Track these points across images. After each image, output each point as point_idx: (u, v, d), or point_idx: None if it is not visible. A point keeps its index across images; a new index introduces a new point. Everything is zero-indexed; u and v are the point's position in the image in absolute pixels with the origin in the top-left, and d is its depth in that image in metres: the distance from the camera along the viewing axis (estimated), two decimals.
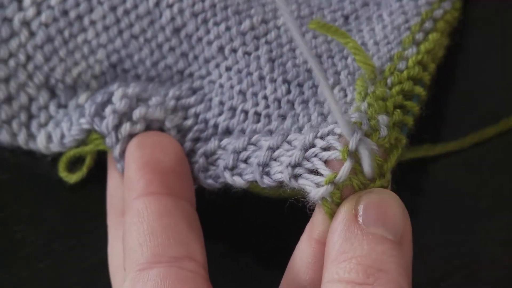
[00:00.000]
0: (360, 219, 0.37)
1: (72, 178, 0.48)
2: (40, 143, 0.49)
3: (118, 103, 0.46)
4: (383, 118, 0.41)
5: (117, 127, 0.45)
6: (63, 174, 0.49)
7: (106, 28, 0.49)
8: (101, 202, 0.47)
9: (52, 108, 0.49)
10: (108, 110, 0.46)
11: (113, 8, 0.48)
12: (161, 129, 0.47)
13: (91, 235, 0.47)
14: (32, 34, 0.48)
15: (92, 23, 0.48)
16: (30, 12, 0.48)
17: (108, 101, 0.46)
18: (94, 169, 0.48)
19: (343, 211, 0.38)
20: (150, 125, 0.46)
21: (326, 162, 0.40)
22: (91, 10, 0.48)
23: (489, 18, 0.55)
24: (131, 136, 0.45)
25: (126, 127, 0.45)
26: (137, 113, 0.46)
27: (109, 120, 0.45)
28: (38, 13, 0.48)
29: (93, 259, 0.47)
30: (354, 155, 0.39)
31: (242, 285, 0.47)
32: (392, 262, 0.36)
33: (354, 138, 0.39)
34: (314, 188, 0.39)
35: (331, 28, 0.42)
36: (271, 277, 0.41)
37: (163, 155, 0.44)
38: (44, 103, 0.49)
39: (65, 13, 0.48)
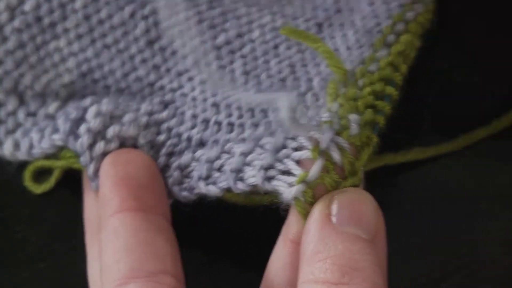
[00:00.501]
0: (334, 219, 0.37)
1: (39, 188, 0.48)
2: (6, 150, 0.48)
3: (93, 121, 0.45)
4: (353, 117, 0.41)
5: (91, 146, 0.45)
6: (28, 183, 0.48)
7: (79, 37, 0.48)
8: None
9: (20, 115, 0.49)
10: (82, 128, 0.45)
11: (88, 17, 0.48)
12: (135, 145, 0.46)
13: None
14: (4, 39, 0.48)
15: (66, 31, 0.48)
16: (3, 17, 0.47)
17: (82, 118, 0.46)
18: None
19: (317, 211, 0.38)
20: (124, 142, 0.46)
21: (298, 162, 0.40)
22: (64, 18, 0.48)
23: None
24: (104, 154, 0.45)
25: (100, 146, 0.45)
26: (111, 132, 0.45)
27: (84, 139, 0.45)
28: (12, 18, 0.48)
29: None
30: (325, 154, 0.39)
31: None
32: (366, 261, 0.36)
33: (325, 137, 0.39)
34: (286, 188, 0.39)
35: (302, 34, 0.43)
36: (250, 282, 0.42)
37: (137, 172, 0.44)
38: (12, 109, 0.49)
39: (38, 19, 0.48)
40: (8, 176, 0.49)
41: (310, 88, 0.45)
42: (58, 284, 0.47)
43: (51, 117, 0.48)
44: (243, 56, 0.48)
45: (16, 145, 0.48)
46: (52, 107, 0.49)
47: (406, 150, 0.49)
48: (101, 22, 0.48)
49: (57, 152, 0.47)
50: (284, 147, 0.41)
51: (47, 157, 0.47)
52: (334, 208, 0.38)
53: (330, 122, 0.40)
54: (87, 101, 0.47)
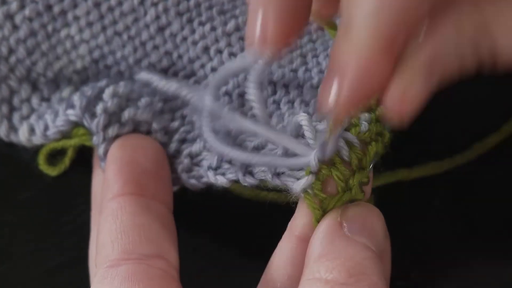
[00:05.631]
0: (345, 227, 0.38)
1: (54, 171, 0.49)
2: (22, 136, 0.49)
3: (110, 101, 0.46)
4: (364, 115, 0.42)
5: (106, 127, 0.46)
6: (43, 166, 0.49)
7: (90, 24, 0.49)
8: (61, 207, 0.48)
9: (34, 101, 0.49)
10: (99, 108, 0.46)
11: (97, 5, 0.48)
12: (149, 130, 0.47)
13: (50, 239, 0.47)
14: (15, 27, 0.48)
15: (76, 18, 0.48)
16: (14, 6, 0.48)
17: (99, 96, 0.46)
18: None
19: (329, 218, 0.39)
20: (138, 126, 0.47)
21: None
22: (75, 6, 0.48)
23: None
24: (117, 136, 0.46)
25: (114, 129, 0.45)
26: (126, 115, 0.46)
27: (101, 120, 0.45)
28: (22, 7, 0.48)
29: (52, 263, 0.47)
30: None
31: (223, 285, 0.47)
32: (374, 268, 0.37)
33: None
34: (295, 181, 0.40)
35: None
36: (251, 274, 0.42)
37: (143, 158, 0.45)
38: (26, 96, 0.49)
39: (49, 7, 0.48)
40: None
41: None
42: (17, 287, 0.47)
43: (69, 99, 0.48)
44: None
45: (31, 130, 0.49)
46: (66, 91, 0.49)
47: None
48: (111, 9, 0.48)
49: (70, 130, 0.47)
50: None
51: (62, 137, 0.48)
52: (346, 218, 0.39)
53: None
54: (103, 82, 0.48)
